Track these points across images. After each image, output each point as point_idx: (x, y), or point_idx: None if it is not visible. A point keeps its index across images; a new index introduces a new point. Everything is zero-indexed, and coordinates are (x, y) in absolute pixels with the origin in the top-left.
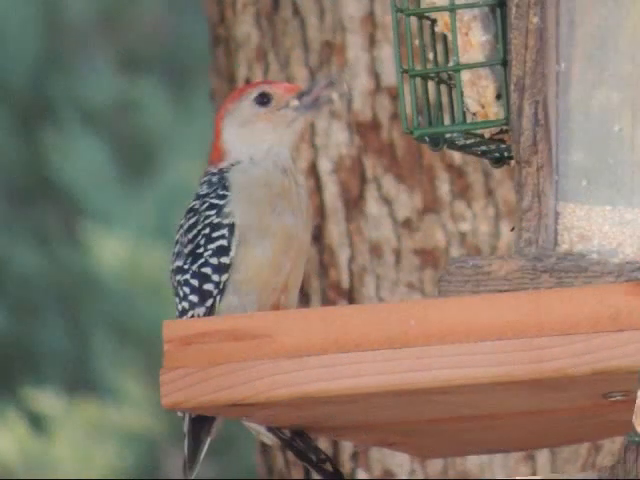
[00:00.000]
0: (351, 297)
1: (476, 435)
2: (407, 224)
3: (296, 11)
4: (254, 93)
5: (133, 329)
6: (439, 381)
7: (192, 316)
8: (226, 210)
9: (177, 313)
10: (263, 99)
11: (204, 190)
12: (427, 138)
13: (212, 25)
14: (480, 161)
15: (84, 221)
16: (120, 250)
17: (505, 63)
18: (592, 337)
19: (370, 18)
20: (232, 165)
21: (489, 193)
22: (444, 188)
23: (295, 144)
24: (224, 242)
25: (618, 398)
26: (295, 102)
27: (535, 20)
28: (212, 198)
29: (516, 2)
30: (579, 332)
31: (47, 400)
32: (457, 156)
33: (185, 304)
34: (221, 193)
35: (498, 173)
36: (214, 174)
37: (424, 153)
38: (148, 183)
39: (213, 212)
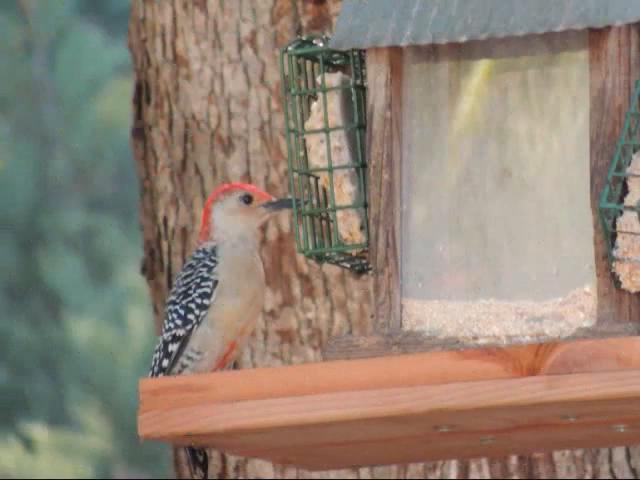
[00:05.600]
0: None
1: (349, 454)
2: (272, 313)
3: (197, 171)
4: (241, 193)
5: (95, 382)
6: (326, 418)
7: (174, 334)
8: (214, 271)
9: (163, 330)
10: (246, 198)
11: (200, 255)
12: (314, 256)
13: (141, 180)
14: (321, 270)
15: (64, 309)
16: (88, 329)
17: (366, 205)
18: (428, 387)
19: (247, 176)
20: (221, 242)
21: (326, 293)
22: (296, 289)
23: (257, 230)
24: (207, 290)
25: (445, 430)
26: (263, 208)
27: (386, 176)
28: (205, 261)
29: (373, 164)
30: (419, 384)
31: (35, 430)
32: (305, 267)
33: (171, 324)
34: (213, 259)
35: (332, 279)
36: (207, 247)
37: (283, 266)
38: (107, 285)
39: (205, 270)
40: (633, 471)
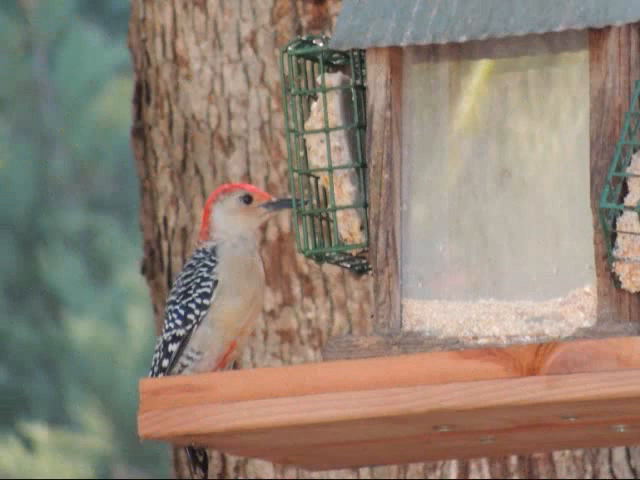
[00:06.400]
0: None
1: (349, 454)
2: (272, 313)
3: (197, 171)
4: (241, 193)
5: (95, 382)
6: (326, 418)
7: (174, 334)
8: (214, 271)
9: (163, 330)
10: (246, 198)
11: (200, 255)
12: (314, 256)
13: (141, 180)
14: (321, 270)
15: (64, 309)
16: (88, 329)
17: (366, 205)
18: (428, 387)
19: (247, 176)
20: (221, 242)
21: (326, 293)
22: (296, 289)
23: (257, 230)
24: (207, 290)
25: (445, 430)
26: (263, 208)
27: (386, 176)
28: (205, 261)
29: (373, 164)
30: (419, 384)
31: (35, 430)
32: (305, 267)
33: (171, 324)
34: (213, 259)
35: (332, 279)
36: (207, 247)
37: (283, 266)
38: (107, 285)
39: (205, 270)
40: (633, 471)
